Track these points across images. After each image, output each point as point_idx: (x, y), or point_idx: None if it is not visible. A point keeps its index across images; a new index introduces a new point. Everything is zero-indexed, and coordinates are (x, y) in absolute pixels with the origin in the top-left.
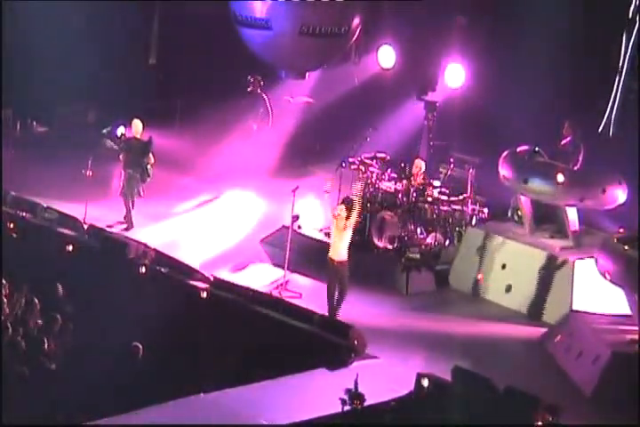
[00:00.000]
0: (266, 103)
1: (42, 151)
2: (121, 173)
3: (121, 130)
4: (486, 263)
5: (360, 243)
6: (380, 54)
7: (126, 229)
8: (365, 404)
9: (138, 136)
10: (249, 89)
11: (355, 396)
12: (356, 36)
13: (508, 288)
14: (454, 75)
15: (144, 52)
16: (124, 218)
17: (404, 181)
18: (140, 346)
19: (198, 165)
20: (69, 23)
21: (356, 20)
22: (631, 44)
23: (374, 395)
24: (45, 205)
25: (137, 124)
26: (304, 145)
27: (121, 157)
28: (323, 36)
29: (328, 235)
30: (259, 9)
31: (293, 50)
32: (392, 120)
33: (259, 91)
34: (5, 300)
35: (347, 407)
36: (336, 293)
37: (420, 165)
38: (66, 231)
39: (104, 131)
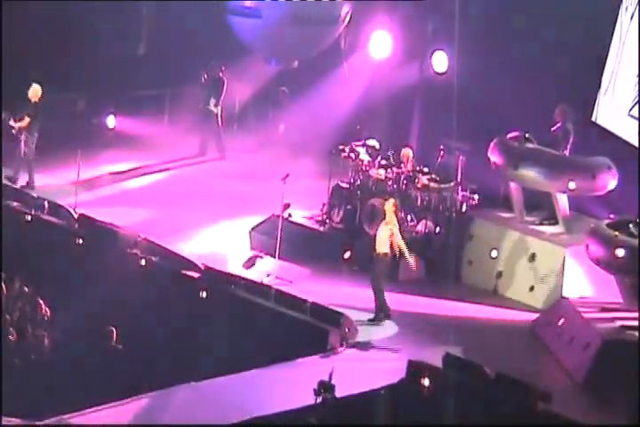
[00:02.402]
0: (223, 87)
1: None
2: (21, 137)
3: (111, 119)
4: (476, 250)
5: (350, 230)
6: (372, 41)
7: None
8: (357, 391)
9: (37, 101)
10: (206, 76)
11: (324, 387)
12: (346, 24)
13: (499, 275)
14: (440, 60)
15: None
16: (28, 182)
17: (394, 169)
18: (115, 330)
19: (183, 152)
20: (59, 12)
21: (346, 8)
22: (620, 26)
23: (366, 382)
24: (36, 195)
25: (36, 89)
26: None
27: (26, 122)
28: (313, 23)
29: (319, 223)
30: None
31: (283, 38)
32: (381, 106)
33: (220, 75)
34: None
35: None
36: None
37: (407, 153)
38: (56, 221)
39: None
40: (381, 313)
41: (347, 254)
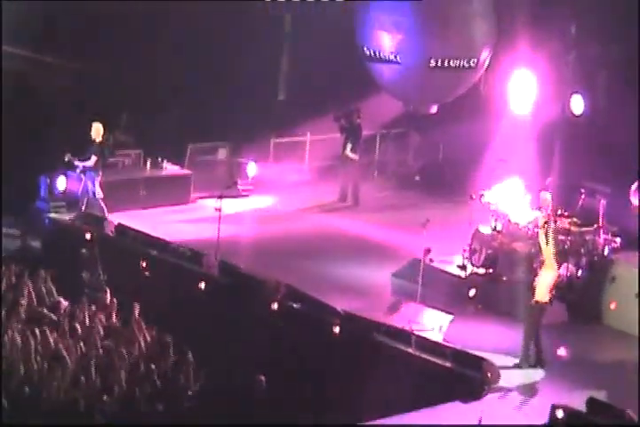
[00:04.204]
0: (360, 133)
1: (171, 190)
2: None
3: (251, 166)
4: (619, 293)
5: (491, 274)
6: (513, 79)
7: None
8: None
9: (101, 140)
10: (343, 121)
11: None
12: (485, 68)
13: None
14: (577, 102)
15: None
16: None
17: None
18: (264, 379)
19: (323, 198)
20: (198, 60)
21: (485, 52)
22: None
23: None
24: (176, 244)
25: (98, 128)
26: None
27: (93, 161)
28: (452, 69)
29: (462, 268)
30: (387, 43)
31: (422, 83)
32: (520, 148)
33: (357, 121)
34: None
35: None
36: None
37: (546, 197)
38: (197, 268)
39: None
40: (538, 361)
41: (472, 292)
